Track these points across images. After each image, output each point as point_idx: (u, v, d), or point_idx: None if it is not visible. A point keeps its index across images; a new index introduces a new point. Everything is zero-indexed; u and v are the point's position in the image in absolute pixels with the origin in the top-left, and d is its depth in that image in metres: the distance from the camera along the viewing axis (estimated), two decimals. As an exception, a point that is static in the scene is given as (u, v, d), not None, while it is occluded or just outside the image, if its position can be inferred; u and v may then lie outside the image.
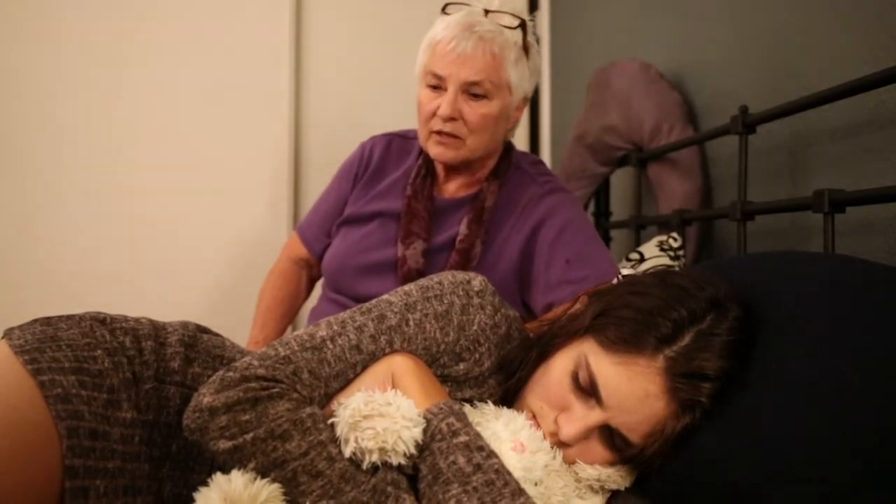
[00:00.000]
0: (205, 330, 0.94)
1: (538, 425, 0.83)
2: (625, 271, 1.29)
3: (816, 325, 0.78)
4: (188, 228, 2.19)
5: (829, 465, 0.68)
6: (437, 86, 1.31)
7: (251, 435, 0.70)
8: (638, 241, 1.71)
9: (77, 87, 2.13)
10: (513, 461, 0.76)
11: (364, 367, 0.81)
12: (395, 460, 0.72)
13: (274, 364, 0.76)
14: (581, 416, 0.80)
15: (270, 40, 2.25)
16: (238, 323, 1.67)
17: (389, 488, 0.71)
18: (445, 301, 0.86)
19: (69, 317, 0.83)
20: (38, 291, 2.08)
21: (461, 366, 0.86)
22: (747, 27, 1.41)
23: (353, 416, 0.72)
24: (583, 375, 0.81)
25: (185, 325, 0.91)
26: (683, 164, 1.60)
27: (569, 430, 0.80)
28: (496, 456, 0.73)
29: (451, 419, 0.75)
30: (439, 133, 1.33)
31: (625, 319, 0.81)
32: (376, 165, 1.49)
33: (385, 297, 0.87)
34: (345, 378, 0.80)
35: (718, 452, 0.76)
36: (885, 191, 0.98)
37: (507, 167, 1.42)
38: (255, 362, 0.76)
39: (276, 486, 0.69)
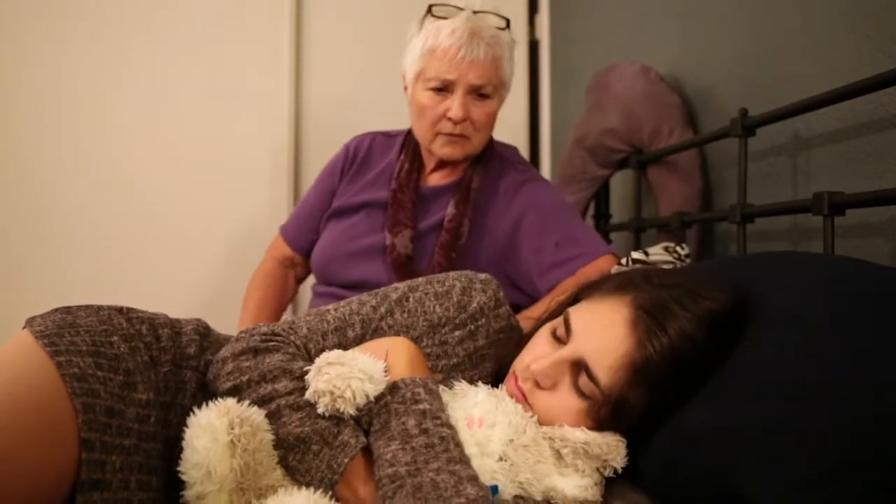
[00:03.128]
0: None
1: (515, 380, 0.85)
2: (635, 255, 1.29)
3: (813, 317, 0.78)
4: (189, 227, 2.20)
5: (815, 447, 0.67)
6: (443, 88, 1.36)
7: (247, 377, 0.81)
8: (638, 244, 1.71)
9: (80, 87, 2.13)
10: (466, 437, 0.78)
11: (362, 325, 0.88)
12: (342, 407, 0.76)
13: (276, 324, 0.89)
14: (551, 354, 0.83)
15: (270, 41, 2.25)
16: (237, 319, 1.68)
17: (358, 428, 0.78)
18: (447, 284, 0.92)
19: (88, 306, 0.88)
20: (39, 288, 2.08)
21: (456, 334, 0.90)
22: (747, 30, 1.41)
23: (319, 363, 0.79)
24: (560, 328, 0.84)
25: (197, 320, 0.97)
26: (683, 167, 1.60)
27: (537, 364, 0.82)
28: (451, 428, 0.76)
29: (420, 390, 0.78)
30: (449, 134, 1.38)
31: (610, 281, 0.87)
32: (362, 160, 1.54)
33: (393, 284, 0.94)
34: (342, 334, 0.88)
35: (704, 431, 0.76)
36: (884, 193, 0.98)
37: (490, 154, 1.48)
38: (262, 325, 0.89)
39: (262, 411, 0.77)
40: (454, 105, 1.34)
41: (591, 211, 1.92)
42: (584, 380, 0.80)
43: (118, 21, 2.15)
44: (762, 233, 1.34)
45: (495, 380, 0.92)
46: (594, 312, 0.83)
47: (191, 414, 0.75)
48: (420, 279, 0.94)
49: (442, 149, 1.40)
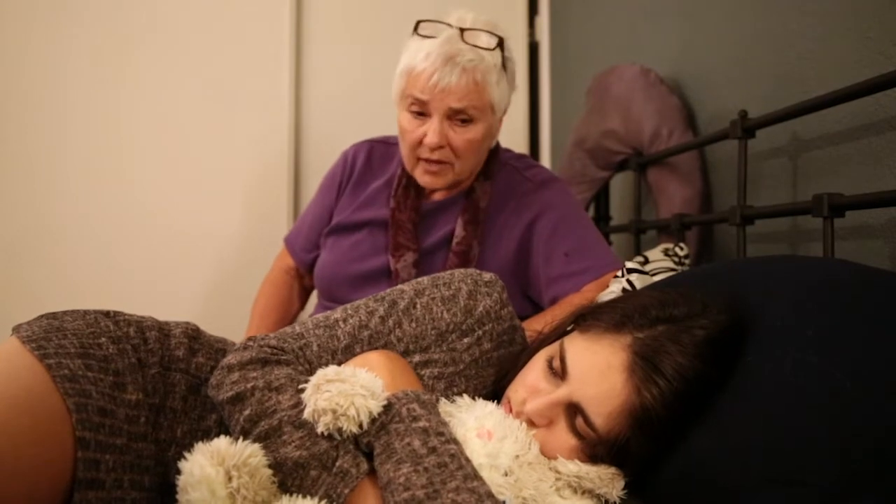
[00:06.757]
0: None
1: (510, 408, 0.84)
2: (629, 265, 1.30)
3: (810, 329, 0.78)
4: (189, 229, 2.19)
5: (819, 469, 0.67)
6: (421, 112, 1.30)
7: (251, 384, 0.79)
8: (638, 246, 1.71)
9: (80, 89, 2.13)
10: (476, 447, 0.76)
11: (370, 341, 0.87)
12: (345, 425, 0.73)
13: (286, 338, 0.86)
14: (546, 393, 0.82)
15: (270, 42, 2.25)
16: (236, 324, 1.68)
17: (359, 453, 0.75)
18: (453, 287, 0.91)
19: (74, 311, 0.87)
20: (39, 291, 2.08)
21: (465, 340, 0.90)
22: (747, 32, 1.41)
23: (318, 379, 0.76)
24: (556, 360, 0.83)
25: (186, 323, 0.96)
26: (683, 169, 1.60)
27: (533, 404, 0.82)
28: (456, 443, 0.74)
29: (414, 405, 0.76)
30: (427, 161, 1.33)
31: (606, 314, 0.84)
32: (360, 173, 1.49)
33: (399, 286, 0.92)
34: (351, 353, 0.86)
35: (709, 456, 0.76)
36: (884, 195, 0.98)
37: (496, 168, 1.43)
38: (271, 335, 0.87)
39: (256, 445, 0.73)
40: (430, 130, 1.28)
41: (591, 213, 1.92)
42: (580, 422, 0.80)
43: (118, 23, 2.15)
44: (762, 234, 1.34)
45: (494, 390, 0.91)
46: (591, 353, 0.81)
47: (182, 458, 0.71)
48: (425, 280, 0.92)
49: (422, 177, 1.35)
